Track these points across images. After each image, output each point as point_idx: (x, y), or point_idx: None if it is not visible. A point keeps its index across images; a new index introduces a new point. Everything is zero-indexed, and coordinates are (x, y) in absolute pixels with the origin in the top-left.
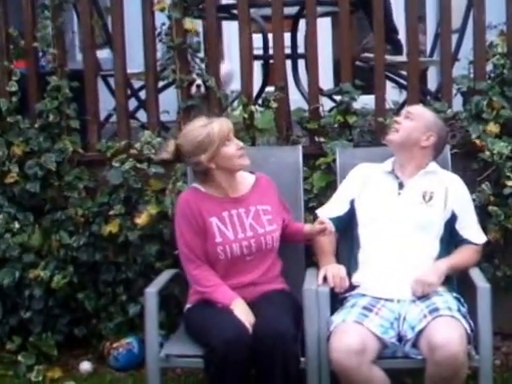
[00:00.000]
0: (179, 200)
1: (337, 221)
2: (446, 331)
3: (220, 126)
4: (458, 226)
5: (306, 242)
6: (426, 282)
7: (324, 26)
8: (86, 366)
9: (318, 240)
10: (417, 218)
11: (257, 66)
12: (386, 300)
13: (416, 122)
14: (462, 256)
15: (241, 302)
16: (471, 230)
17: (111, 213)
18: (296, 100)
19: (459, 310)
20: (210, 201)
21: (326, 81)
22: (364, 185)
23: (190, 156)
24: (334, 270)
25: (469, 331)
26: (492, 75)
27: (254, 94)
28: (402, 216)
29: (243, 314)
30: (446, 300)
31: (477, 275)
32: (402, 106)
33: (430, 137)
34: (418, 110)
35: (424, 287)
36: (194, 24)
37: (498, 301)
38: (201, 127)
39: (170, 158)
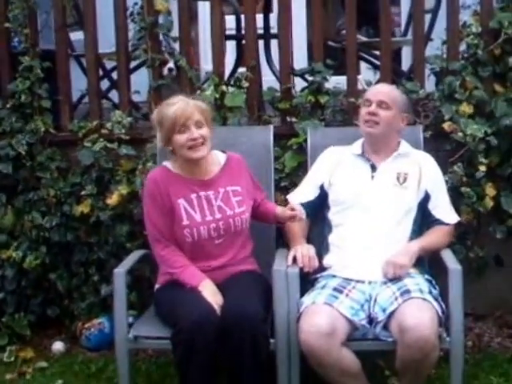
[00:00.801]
0: (147, 179)
1: (307, 206)
2: (417, 314)
3: (178, 111)
4: (431, 206)
5: (277, 224)
6: (398, 264)
7: (299, 5)
8: (58, 346)
9: (289, 225)
10: (391, 201)
11: (232, 46)
12: (357, 281)
13: (392, 109)
14: (433, 237)
15: (209, 283)
16: (443, 209)
17: (83, 193)
18: (270, 80)
19: (430, 293)
20: (179, 182)
21: (301, 61)
22: (335, 168)
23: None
24: (303, 251)
25: (440, 313)
26: (465, 55)
27: (227, 73)
28: (377, 199)
29: (211, 295)
30: (418, 282)
31: (448, 257)
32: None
33: (405, 118)
34: (389, 96)
35: (395, 269)
36: (166, 4)
37: (471, 282)
38: (167, 105)
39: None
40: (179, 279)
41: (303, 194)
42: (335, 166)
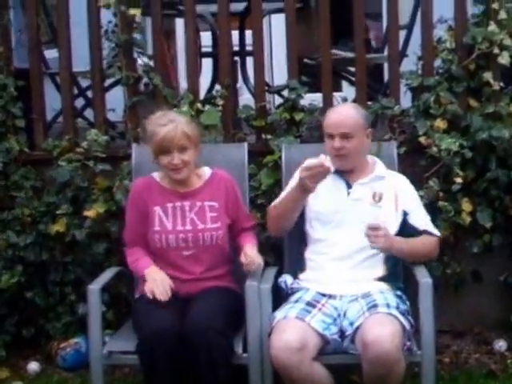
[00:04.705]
0: (132, 184)
1: None
2: (378, 328)
3: (166, 135)
4: (413, 221)
5: None
6: (381, 228)
7: (279, 21)
8: (33, 366)
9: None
10: (366, 218)
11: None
12: (330, 297)
13: (356, 136)
14: (421, 241)
15: (153, 270)
16: (426, 223)
17: (58, 212)
18: (246, 98)
19: (398, 308)
20: (159, 191)
21: (280, 77)
22: None
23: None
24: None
25: (407, 328)
26: (440, 71)
27: (204, 91)
28: (352, 216)
29: (151, 280)
30: (387, 297)
31: (420, 271)
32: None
33: (369, 133)
34: (349, 125)
35: (375, 230)
36: (137, 10)
37: (449, 299)
38: (158, 124)
39: None
40: (134, 272)
41: None
42: None
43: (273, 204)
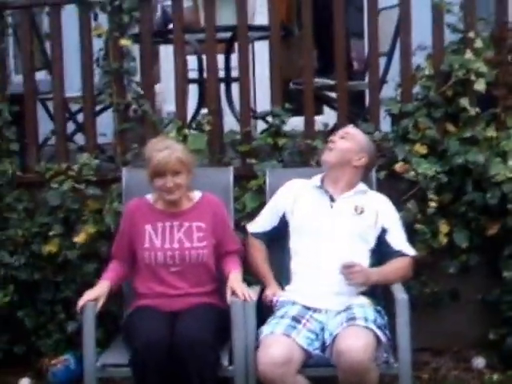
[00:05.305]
0: (127, 204)
1: (267, 235)
2: (351, 340)
3: (161, 160)
4: (389, 239)
5: None
6: (355, 265)
7: (263, 48)
8: (25, 382)
9: (253, 258)
10: (349, 229)
11: (195, 87)
12: (314, 310)
13: (350, 142)
14: (394, 266)
15: (100, 283)
16: (402, 242)
17: (50, 233)
18: (231, 121)
19: (375, 321)
20: (151, 210)
21: (265, 102)
22: (296, 198)
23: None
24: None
25: (384, 340)
26: (419, 97)
27: (190, 115)
28: (335, 227)
29: (87, 293)
30: (366, 311)
31: (396, 289)
32: (335, 127)
33: (362, 158)
34: (353, 131)
35: (350, 268)
36: (129, 41)
37: (429, 317)
38: (155, 150)
39: None
40: None
41: (263, 223)
42: (296, 196)
43: (250, 231)
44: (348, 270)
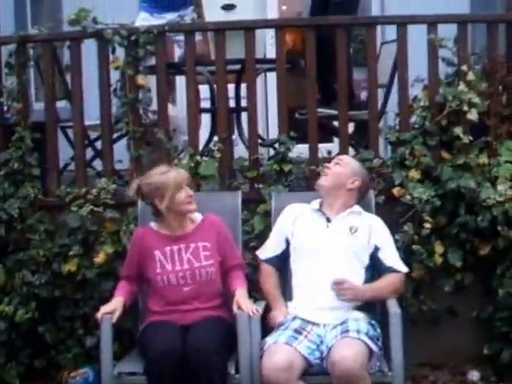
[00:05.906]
0: (135, 233)
1: (276, 259)
2: (344, 350)
3: (176, 176)
4: (381, 256)
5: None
6: (347, 282)
7: (274, 79)
8: None
9: (265, 284)
10: (344, 247)
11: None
12: (314, 324)
13: (343, 167)
14: (385, 282)
15: (114, 299)
16: (393, 259)
17: (70, 253)
18: (240, 149)
19: (367, 333)
20: (158, 237)
21: (275, 130)
22: (295, 221)
23: (147, 197)
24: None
25: (376, 350)
26: (416, 126)
27: (203, 142)
28: (331, 245)
29: (108, 306)
30: (359, 324)
31: (391, 303)
32: (338, 155)
33: (355, 181)
34: (346, 158)
35: (343, 284)
36: (146, 79)
37: (428, 334)
38: (159, 174)
39: (134, 196)
40: None
41: (271, 249)
42: (296, 219)
43: (262, 258)
44: (338, 286)
